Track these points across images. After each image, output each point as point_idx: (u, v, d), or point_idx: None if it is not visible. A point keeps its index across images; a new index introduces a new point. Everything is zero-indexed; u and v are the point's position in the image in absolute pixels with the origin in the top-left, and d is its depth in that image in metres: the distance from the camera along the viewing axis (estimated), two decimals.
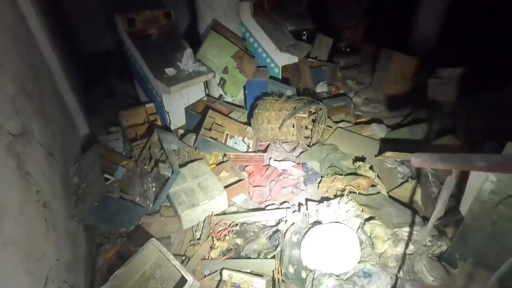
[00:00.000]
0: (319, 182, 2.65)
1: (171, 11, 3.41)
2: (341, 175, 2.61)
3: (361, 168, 2.61)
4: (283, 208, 2.38)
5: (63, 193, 2.00)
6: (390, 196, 2.45)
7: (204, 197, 2.35)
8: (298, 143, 2.95)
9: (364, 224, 2.15)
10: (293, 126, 2.88)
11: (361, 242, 2.01)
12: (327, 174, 2.66)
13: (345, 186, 2.44)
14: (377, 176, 2.57)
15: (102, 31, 4.85)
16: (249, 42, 3.96)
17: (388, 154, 2.60)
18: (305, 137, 2.92)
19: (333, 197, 2.45)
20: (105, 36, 4.91)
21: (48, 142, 1.97)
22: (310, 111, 2.91)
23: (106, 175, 2.22)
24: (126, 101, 3.72)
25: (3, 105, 1.51)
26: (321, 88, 4.28)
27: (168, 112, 3.37)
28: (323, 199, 2.44)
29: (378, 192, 2.43)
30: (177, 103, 3.41)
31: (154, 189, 2.54)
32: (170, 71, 3.24)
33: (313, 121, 2.92)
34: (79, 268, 1.90)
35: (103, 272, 1.96)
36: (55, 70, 2.78)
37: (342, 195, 2.33)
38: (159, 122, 3.28)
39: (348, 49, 5.70)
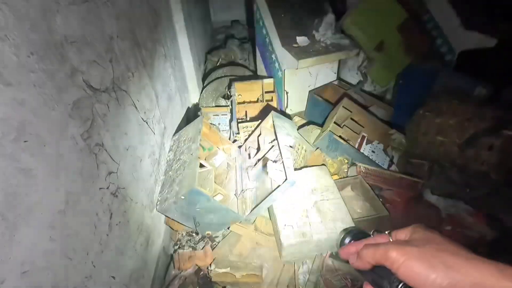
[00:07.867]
0: None
1: None
2: None
3: None
4: None
5: (149, 171, 1.57)
6: None
7: (321, 227, 1.56)
8: (489, 175, 1.76)
9: None
10: (490, 149, 1.71)
11: None
12: None
13: None
14: None
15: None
16: None
17: None
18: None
19: None
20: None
21: (144, 106, 1.54)
22: None
23: (202, 161, 1.70)
24: (243, 72, 3.22)
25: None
26: None
27: (287, 93, 2.68)
28: None
29: None
30: (301, 83, 2.66)
31: (254, 189, 1.92)
32: (302, 40, 2.49)
33: None
34: (147, 275, 1.45)
35: None
36: (179, 27, 2.44)
37: None
38: (274, 104, 2.62)
39: None
